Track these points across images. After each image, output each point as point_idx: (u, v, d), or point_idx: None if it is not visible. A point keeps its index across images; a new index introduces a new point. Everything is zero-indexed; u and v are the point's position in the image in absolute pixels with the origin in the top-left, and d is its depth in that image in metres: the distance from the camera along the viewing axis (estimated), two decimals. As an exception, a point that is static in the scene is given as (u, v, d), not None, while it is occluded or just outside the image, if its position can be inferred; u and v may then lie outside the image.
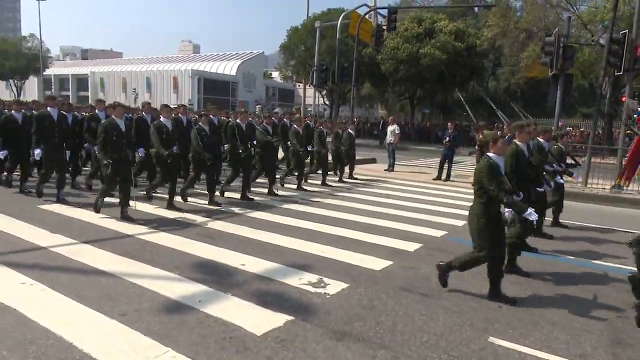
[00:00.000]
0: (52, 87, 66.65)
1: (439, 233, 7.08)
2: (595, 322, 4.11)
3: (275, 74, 62.46)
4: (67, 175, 8.72)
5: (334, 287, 4.63)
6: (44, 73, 52.98)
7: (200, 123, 8.40)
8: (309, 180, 11.46)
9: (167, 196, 7.83)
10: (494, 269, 4.45)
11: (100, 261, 5.05)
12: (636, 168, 10.04)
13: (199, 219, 7.23)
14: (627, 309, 4.32)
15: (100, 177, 8.73)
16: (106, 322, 3.67)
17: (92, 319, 3.71)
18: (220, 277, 4.78)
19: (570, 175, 7.58)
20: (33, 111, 9.01)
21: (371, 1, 34.39)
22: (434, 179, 13.11)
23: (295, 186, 10.55)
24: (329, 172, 11.67)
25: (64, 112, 8.58)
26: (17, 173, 9.13)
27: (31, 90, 60.72)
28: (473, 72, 31.93)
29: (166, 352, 3.26)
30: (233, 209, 8.08)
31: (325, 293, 4.47)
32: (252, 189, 9.57)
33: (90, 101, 52.80)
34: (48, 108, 7.98)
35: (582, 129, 30.97)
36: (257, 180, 10.40)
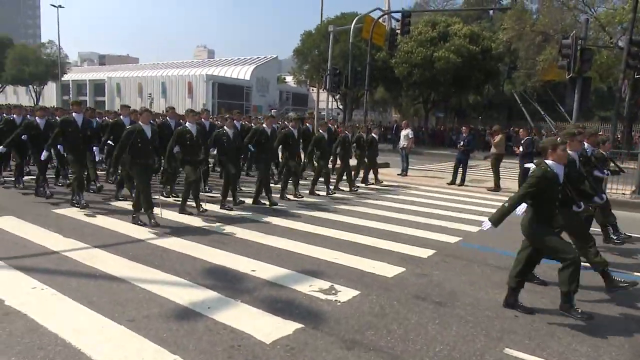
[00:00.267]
0: (70, 92, 67.80)
1: (453, 239, 6.95)
2: (616, 334, 3.97)
3: (289, 79, 62.66)
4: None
5: (345, 294, 4.55)
6: (62, 78, 53.92)
7: (225, 127, 8.30)
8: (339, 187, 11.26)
9: (180, 201, 7.84)
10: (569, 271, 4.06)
11: (111, 266, 5.05)
12: None
13: (210, 224, 7.21)
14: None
15: (118, 183, 8.70)
16: (115, 328, 3.64)
17: (101, 324, 3.69)
18: (230, 283, 4.73)
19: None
20: (57, 117, 9.03)
21: (385, 5, 34.30)
22: (448, 184, 12.95)
23: (313, 192, 10.47)
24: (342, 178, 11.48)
25: (89, 118, 8.48)
26: (33, 177, 9.21)
27: (50, 95, 61.88)
28: (488, 76, 31.64)
29: (174, 360, 3.22)
30: (244, 213, 8.05)
31: (336, 300, 4.39)
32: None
33: (106, 106, 53.64)
34: (73, 114, 7.87)
35: (600, 133, 30.40)
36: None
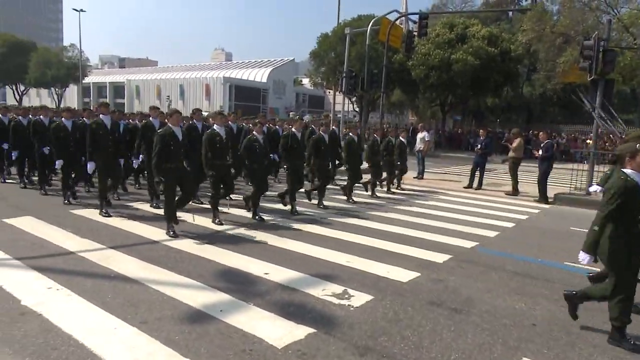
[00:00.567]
0: (90, 94, 69.10)
1: (469, 244, 6.83)
2: (640, 345, 3.82)
3: (306, 81, 62.78)
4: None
5: (359, 299, 4.49)
6: (83, 81, 54.96)
7: (254, 132, 7.94)
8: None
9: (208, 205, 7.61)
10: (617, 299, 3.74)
11: (125, 267, 5.08)
12: None
13: (224, 226, 7.21)
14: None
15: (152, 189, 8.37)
16: (128, 329, 3.65)
17: (114, 326, 3.70)
18: (242, 286, 4.71)
19: None
20: (84, 119, 8.82)
21: (402, 7, 34.14)
22: (465, 187, 12.78)
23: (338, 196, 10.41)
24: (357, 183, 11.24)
25: (117, 121, 8.32)
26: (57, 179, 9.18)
27: (71, 97, 63.12)
28: (507, 78, 31.18)
29: (185, 364, 3.20)
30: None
31: (349, 305, 4.34)
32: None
33: (126, 108, 54.46)
34: (101, 116, 7.68)
35: (623, 136, 29.72)
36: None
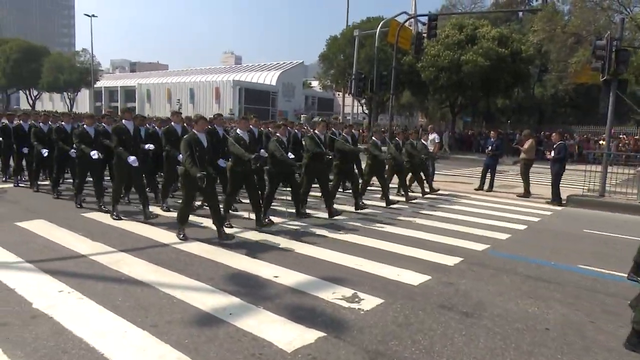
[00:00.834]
0: (102, 98, 69.90)
1: (480, 247, 6.76)
2: (657, 350, 3.74)
3: (315, 83, 62.92)
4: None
5: (369, 302, 4.46)
6: (95, 85, 55.63)
7: (277, 134, 7.91)
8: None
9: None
10: None
11: (136, 270, 5.10)
12: None
13: (234, 229, 7.21)
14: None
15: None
16: (138, 333, 3.65)
17: (124, 329, 3.71)
18: (252, 289, 4.71)
19: None
20: (103, 124, 8.84)
21: (411, 9, 34.09)
22: (475, 189, 12.68)
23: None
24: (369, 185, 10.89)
25: (139, 126, 8.23)
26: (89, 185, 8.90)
27: (83, 102, 63.91)
28: (518, 79, 30.92)
29: (194, 367, 3.20)
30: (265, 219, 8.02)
31: (359, 309, 4.30)
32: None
33: (136, 112, 54.92)
34: (123, 121, 7.61)
35: (636, 137, 29.33)
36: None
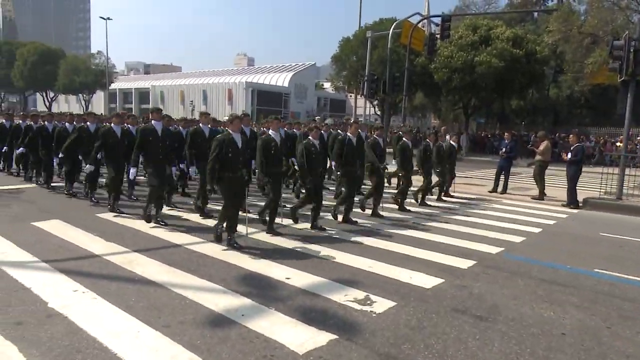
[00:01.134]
0: (117, 100, 70.69)
1: (494, 249, 6.68)
2: (677, 357, 3.65)
3: (327, 85, 62.88)
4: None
5: (381, 305, 4.43)
6: (110, 87, 56.33)
7: (310, 137, 7.64)
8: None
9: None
10: None
11: (149, 271, 5.13)
12: None
13: (247, 230, 7.22)
14: None
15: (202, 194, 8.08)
16: (151, 333, 3.67)
17: (137, 329, 3.73)
18: (264, 291, 4.71)
19: None
20: (128, 126, 8.83)
21: (424, 10, 33.89)
22: (489, 191, 12.55)
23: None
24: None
25: (167, 127, 7.98)
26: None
27: (98, 103, 64.68)
28: (532, 80, 30.57)
29: (206, 368, 3.20)
30: (278, 221, 8.00)
31: (371, 311, 4.27)
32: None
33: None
34: (152, 122, 7.43)
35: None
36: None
